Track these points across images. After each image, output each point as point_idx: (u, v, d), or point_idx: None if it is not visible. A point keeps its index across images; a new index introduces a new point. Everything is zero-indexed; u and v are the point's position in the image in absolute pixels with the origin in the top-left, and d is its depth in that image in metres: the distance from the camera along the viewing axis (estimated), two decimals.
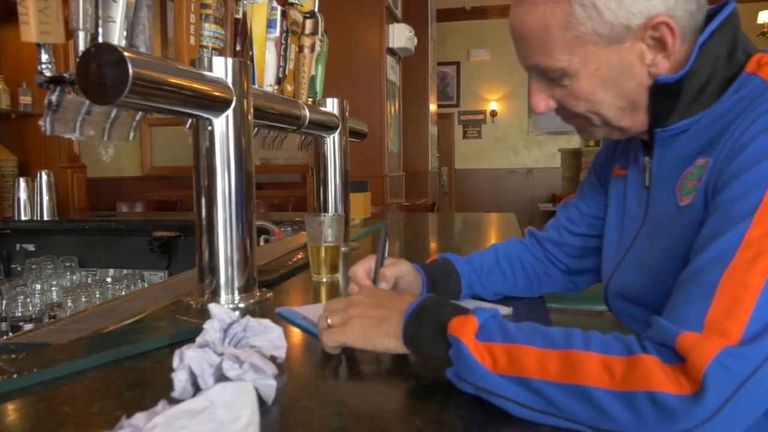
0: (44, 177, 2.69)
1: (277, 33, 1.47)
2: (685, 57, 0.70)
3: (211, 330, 0.69)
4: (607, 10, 0.67)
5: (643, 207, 0.80)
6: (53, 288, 2.17)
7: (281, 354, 0.71)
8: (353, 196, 2.21)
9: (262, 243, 2.12)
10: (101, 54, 0.73)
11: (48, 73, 0.79)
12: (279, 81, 1.51)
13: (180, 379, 0.60)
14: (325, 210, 1.73)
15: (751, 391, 0.50)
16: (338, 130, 1.71)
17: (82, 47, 0.84)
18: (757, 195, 0.56)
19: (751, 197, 0.56)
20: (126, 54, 0.74)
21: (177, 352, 0.63)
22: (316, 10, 1.68)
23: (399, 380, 0.68)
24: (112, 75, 0.73)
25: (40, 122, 0.82)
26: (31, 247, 2.64)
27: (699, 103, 0.71)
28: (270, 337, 0.71)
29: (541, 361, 0.55)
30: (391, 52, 4.28)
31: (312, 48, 1.69)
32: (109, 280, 2.25)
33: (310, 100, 1.72)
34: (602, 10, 0.67)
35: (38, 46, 0.78)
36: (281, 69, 1.51)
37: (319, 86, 1.79)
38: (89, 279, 2.29)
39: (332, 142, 1.72)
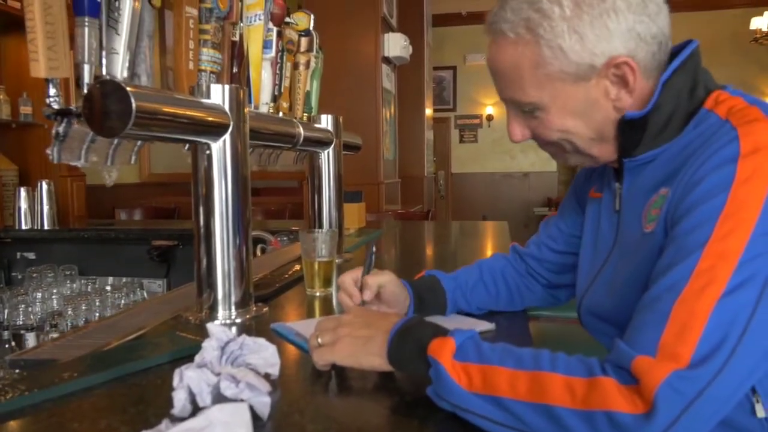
0: (44, 186, 2.74)
1: (273, 53, 1.52)
2: (650, 93, 0.76)
3: (209, 348, 0.74)
4: (572, 52, 0.72)
5: (614, 230, 0.85)
6: (54, 296, 2.21)
7: (275, 371, 0.75)
8: (347, 206, 2.25)
9: (259, 253, 2.17)
10: (106, 90, 0.78)
11: (56, 106, 0.84)
12: (275, 99, 1.56)
13: (180, 398, 0.65)
14: (320, 221, 1.78)
15: (699, 409, 0.55)
16: (332, 145, 1.76)
17: (87, 79, 0.89)
18: (707, 229, 0.61)
19: (701, 231, 0.62)
20: (129, 89, 0.79)
21: (177, 372, 0.68)
22: (311, 28, 1.73)
23: (384, 396, 0.73)
24: (116, 110, 0.78)
25: (48, 151, 0.87)
26: (31, 256, 2.69)
27: (663, 136, 0.76)
28: (264, 354, 0.76)
29: (512, 381, 0.61)
30: (387, 60, 4.34)
31: (307, 65, 1.74)
32: (108, 288, 2.29)
33: (305, 115, 1.77)
34: (568, 51, 0.72)
35: (47, 80, 0.83)
36: (277, 87, 1.56)
37: (314, 101, 1.84)
38: (89, 287, 2.33)
39: (327, 157, 1.77)
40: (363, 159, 3.90)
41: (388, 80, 4.41)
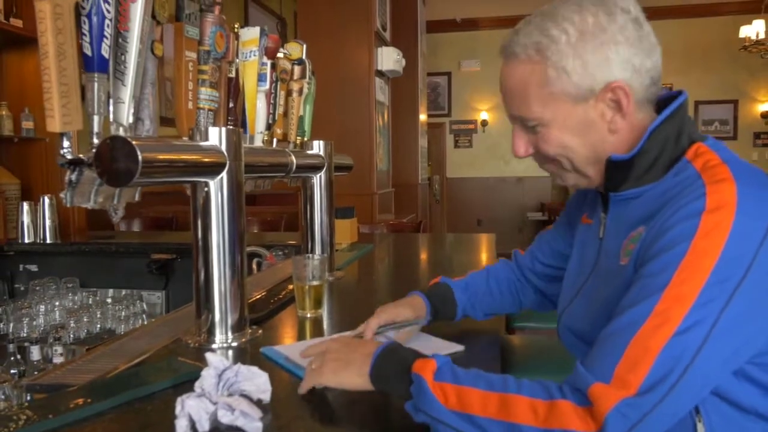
0: (47, 201, 2.82)
1: (267, 85, 1.61)
2: (639, 129, 0.84)
3: (207, 377, 0.83)
4: (574, 74, 0.82)
5: (595, 256, 0.94)
6: (56, 308, 2.29)
7: (266, 397, 0.85)
8: (339, 222, 2.34)
9: (255, 268, 2.26)
10: (116, 146, 0.87)
11: (69, 156, 0.93)
12: (269, 126, 1.65)
13: (181, 425, 0.74)
14: (312, 238, 1.87)
15: (642, 431, 0.65)
16: (324, 169, 1.86)
17: (96, 129, 0.98)
18: (668, 274, 0.70)
19: (664, 275, 0.70)
20: (135, 143, 0.89)
21: (179, 400, 0.77)
22: (303, 57, 1.82)
23: (362, 416, 0.82)
24: (124, 162, 0.87)
25: (61, 194, 0.96)
26: (34, 268, 2.77)
27: (647, 177, 0.84)
28: (257, 382, 0.85)
29: (483, 401, 0.71)
30: (380, 74, 4.43)
31: (300, 92, 1.83)
32: (109, 300, 2.38)
33: (299, 138, 1.86)
34: (570, 74, 0.82)
35: (60, 134, 0.92)
36: (271, 116, 1.65)
37: (307, 125, 1.93)
38: (90, 299, 2.41)
39: (319, 179, 1.86)
40: (356, 171, 3.95)
41: (381, 93, 4.50)
